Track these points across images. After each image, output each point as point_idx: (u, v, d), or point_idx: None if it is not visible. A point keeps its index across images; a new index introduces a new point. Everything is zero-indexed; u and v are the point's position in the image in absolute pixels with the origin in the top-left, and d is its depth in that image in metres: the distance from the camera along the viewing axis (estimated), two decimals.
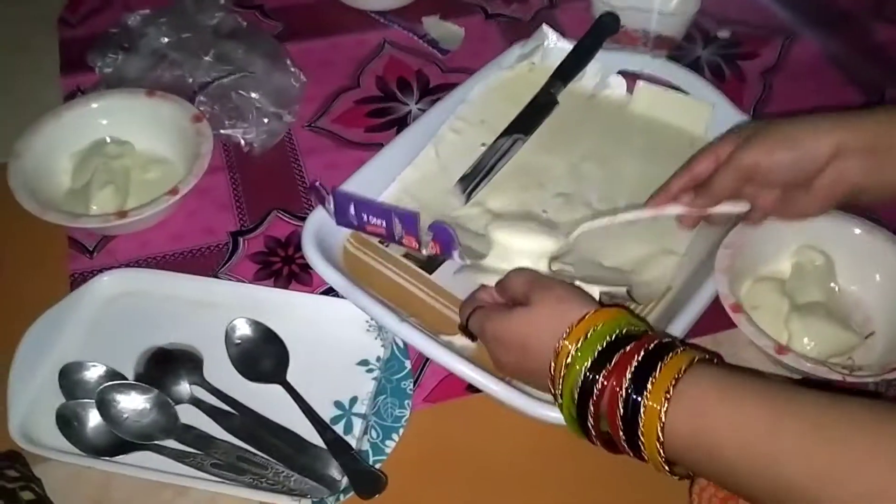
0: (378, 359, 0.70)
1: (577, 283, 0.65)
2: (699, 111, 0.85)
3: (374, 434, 0.66)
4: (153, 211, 0.76)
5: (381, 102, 0.95)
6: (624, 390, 0.51)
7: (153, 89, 0.86)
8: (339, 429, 0.66)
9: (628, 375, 0.51)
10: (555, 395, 0.56)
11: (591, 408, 0.52)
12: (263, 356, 0.69)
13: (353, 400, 0.68)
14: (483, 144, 0.83)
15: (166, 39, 0.93)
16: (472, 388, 0.68)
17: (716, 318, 0.69)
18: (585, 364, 0.53)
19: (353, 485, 0.62)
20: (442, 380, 0.71)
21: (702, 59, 1.00)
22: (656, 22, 0.94)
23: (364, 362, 0.70)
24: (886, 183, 0.64)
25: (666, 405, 0.49)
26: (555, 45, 0.90)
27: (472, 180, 0.79)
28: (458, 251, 0.70)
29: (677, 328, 0.67)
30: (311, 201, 0.84)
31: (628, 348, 0.52)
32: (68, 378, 0.67)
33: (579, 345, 0.54)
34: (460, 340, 0.70)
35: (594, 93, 0.89)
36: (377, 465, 0.64)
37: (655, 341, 0.52)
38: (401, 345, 0.70)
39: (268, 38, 0.97)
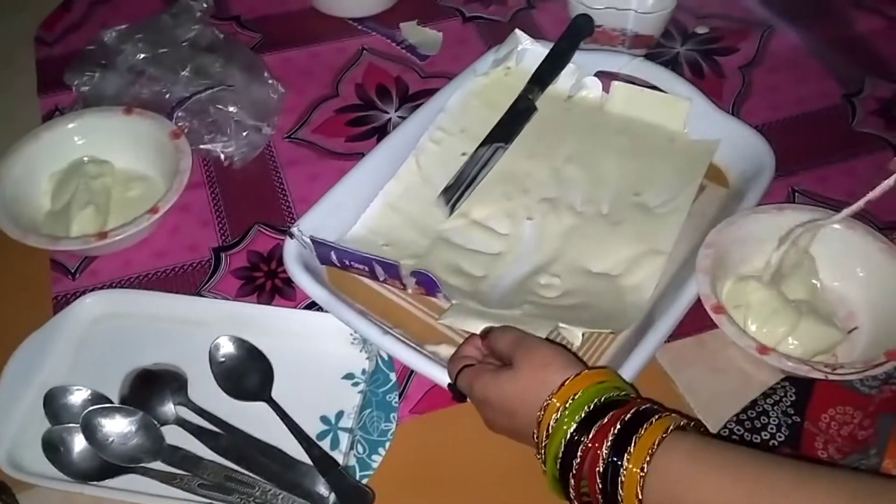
0: (363, 372, 0.70)
1: (561, 325, 0.68)
2: (676, 107, 0.85)
3: (360, 449, 0.66)
4: (133, 231, 0.76)
5: (360, 111, 0.95)
6: (605, 452, 0.51)
7: (131, 106, 0.86)
8: (325, 444, 0.66)
9: (610, 439, 0.52)
10: (539, 457, 0.56)
11: (574, 470, 0.53)
12: (248, 373, 0.69)
13: (340, 414, 0.68)
14: (464, 154, 0.83)
15: (143, 55, 0.93)
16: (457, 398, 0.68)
17: (700, 317, 0.69)
18: (570, 428, 0.53)
19: (341, 502, 0.62)
20: (428, 390, 0.71)
21: (680, 56, 1.00)
22: (634, 20, 0.93)
23: (349, 376, 0.70)
24: None
25: (645, 469, 0.50)
26: (529, 48, 0.90)
27: (455, 191, 0.79)
28: (441, 293, 0.71)
29: (661, 329, 0.67)
30: (293, 215, 0.84)
31: (608, 417, 0.53)
32: (53, 403, 0.67)
33: (558, 415, 0.54)
34: (446, 350, 0.71)
35: (570, 95, 0.89)
36: (364, 481, 0.64)
37: (635, 409, 0.53)
38: (385, 357, 0.71)
39: (245, 50, 0.96)
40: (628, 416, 0.52)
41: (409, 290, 0.74)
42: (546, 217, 0.79)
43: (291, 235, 0.72)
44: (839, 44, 1.02)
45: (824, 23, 1.05)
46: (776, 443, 0.65)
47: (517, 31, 0.91)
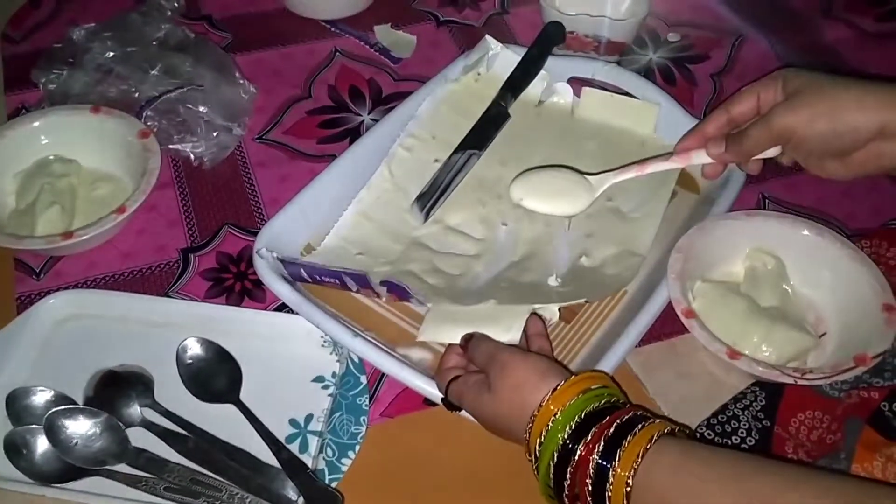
0: (334, 375, 0.69)
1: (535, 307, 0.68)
2: (646, 112, 0.86)
3: (329, 452, 0.65)
4: (99, 231, 0.75)
5: (333, 113, 0.94)
6: (595, 457, 0.52)
7: (98, 105, 0.85)
8: (294, 447, 0.65)
9: (601, 443, 0.52)
10: (531, 461, 0.57)
11: (569, 478, 0.53)
12: (216, 376, 0.68)
13: (309, 417, 0.67)
14: (436, 160, 0.82)
15: (112, 54, 0.92)
16: (429, 401, 0.68)
17: (672, 322, 0.69)
18: (564, 435, 0.54)
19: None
20: (399, 393, 0.70)
21: (652, 63, 1.00)
22: (607, 26, 0.94)
23: (319, 379, 0.70)
24: None
25: (633, 473, 0.50)
26: (499, 54, 0.90)
27: (429, 199, 0.79)
28: (414, 299, 0.71)
29: (632, 333, 0.67)
30: (263, 216, 0.83)
31: (605, 420, 0.53)
32: (15, 404, 0.66)
33: (551, 423, 0.54)
34: (417, 353, 0.70)
35: (541, 101, 0.89)
36: (333, 484, 0.63)
37: (630, 414, 0.54)
38: (356, 360, 0.70)
39: (216, 49, 0.95)
40: (623, 420, 0.53)
41: (383, 299, 0.73)
42: (520, 222, 0.79)
43: (260, 256, 0.71)
44: (808, 52, 1.03)
45: (794, 32, 1.06)
46: (746, 447, 0.65)
47: (487, 37, 0.91)
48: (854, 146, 0.63)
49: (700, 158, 0.71)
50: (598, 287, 0.73)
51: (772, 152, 0.68)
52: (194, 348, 0.69)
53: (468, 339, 0.65)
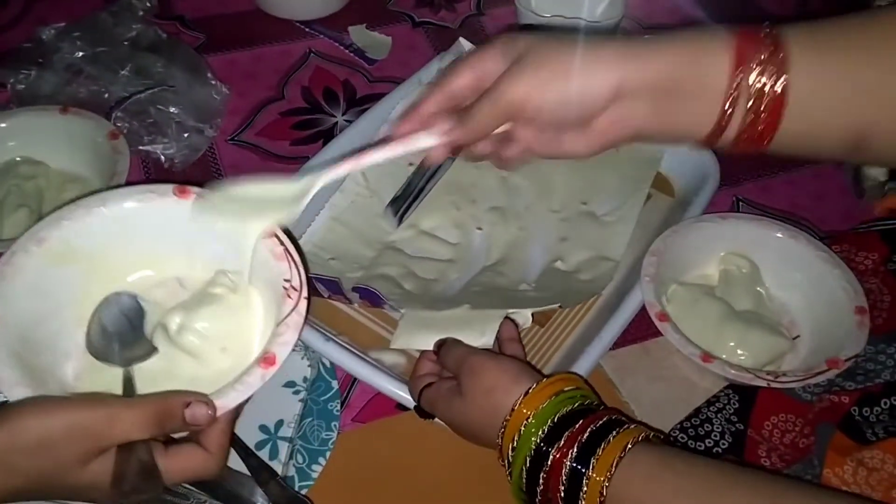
0: (305, 380, 0.69)
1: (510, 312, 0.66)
2: None
3: (300, 458, 0.64)
4: None
5: (306, 114, 0.93)
6: (569, 461, 0.51)
7: (67, 106, 0.83)
8: (264, 454, 0.64)
9: (576, 448, 0.51)
10: (504, 465, 0.57)
11: (542, 481, 0.53)
12: None
13: (279, 423, 0.66)
14: (410, 164, 0.81)
15: (81, 53, 0.90)
16: (402, 406, 0.67)
17: (646, 325, 0.69)
18: (537, 439, 0.53)
19: None
20: (371, 399, 0.70)
21: None
22: (582, 29, 0.93)
23: (290, 384, 0.69)
24: (674, 128, 0.54)
25: (608, 480, 0.50)
26: None
27: (402, 203, 0.78)
28: (387, 305, 0.70)
29: (606, 336, 0.67)
30: None
31: (577, 425, 0.53)
32: None
33: (524, 427, 0.54)
34: (390, 358, 0.70)
35: None
36: (304, 491, 0.62)
37: (605, 419, 0.53)
38: (328, 364, 0.69)
39: (188, 50, 0.94)
40: (597, 425, 0.52)
41: (356, 305, 0.72)
42: (495, 227, 0.79)
43: None
44: None
45: None
46: (720, 450, 0.65)
47: (461, 39, 0.90)
48: (593, 110, 0.54)
49: (425, 141, 0.59)
50: (571, 293, 0.73)
51: (500, 129, 0.58)
52: None
53: (441, 344, 0.64)
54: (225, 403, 0.50)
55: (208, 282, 0.60)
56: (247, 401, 0.51)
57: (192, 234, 0.60)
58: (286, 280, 0.56)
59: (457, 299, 0.72)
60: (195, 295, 0.60)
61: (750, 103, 0.50)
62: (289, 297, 0.55)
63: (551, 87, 0.53)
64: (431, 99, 0.59)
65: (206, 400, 0.50)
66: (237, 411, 0.53)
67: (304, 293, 0.55)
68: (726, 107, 0.51)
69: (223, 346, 0.57)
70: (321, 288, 0.70)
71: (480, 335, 0.67)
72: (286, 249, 0.57)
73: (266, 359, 0.52)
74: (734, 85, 0.50)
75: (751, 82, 0.50)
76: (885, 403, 0.64)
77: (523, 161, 0.60)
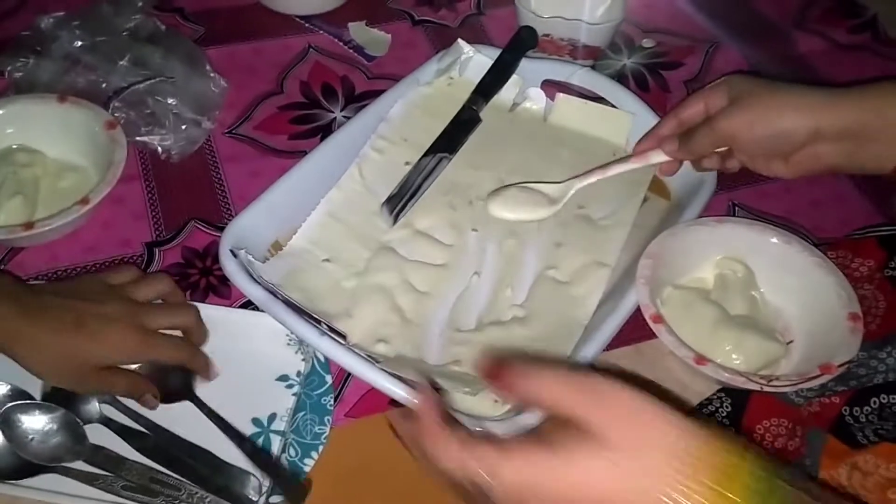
0: (298, 374, 0.69)
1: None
2: (619, 121, 0.86)
3: (292, 452, 0.64)
4: (62, 222, 0.73)
5: (305, 109, 0.93)
6: None
7: (65, 95, 0.83)
8: None
9: None
10: None
11: None
12: (170, 372, 0.66)
13: (272, 417, 0.66)
14: (407, 163, 0.81)
15: (80, 43, 0.90)
16: (395, 403, 0.67)
17: (639, 327, 0.69)
18: None
19: (278, 486, 0.61)
20: (364, 394, 0.70)
21: (626, 69, 1.00)
22: (582, 31, 0.94)
23: (284, 378, 0.69)
24: (863, 166, 0.68)
25: None
26: (472, 58, 0.90)
27: (398, 201, 0.78)
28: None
29: (600, 338, 0.67)
30: (231, 211, 0.82)
31: None
32: None
33: None
34: (384, 347, 0.69)
35: (514, 105, 0.89)
36: None
37: None
38: (322, 359, 0.69)
39: (187, 42, 0.94)
40: None
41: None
42: (490, 229, 0.79)
43: (233, 254, 0.70)
44: (781, 62, 1.04)
45: (767, 42, 1.06)
46: None
47: (460, 40, 0.90)
48: (791, 148, 0.68)
49: (657, 158, 0.77)
50: (553, 324, 0.72)
51: (719, 150, 0.74)
52: None
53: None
54: None
55: None
56: None
57: None
58: None
59: (442, 353, 0.70)
60: None
61: None
62: None
63: (758, 126, 0.68)
64: (666, 124, 0.76)
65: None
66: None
67: None
68: None
69: None
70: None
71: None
72: None
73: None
74: None
75: None
76: (875, 403, 0.64)
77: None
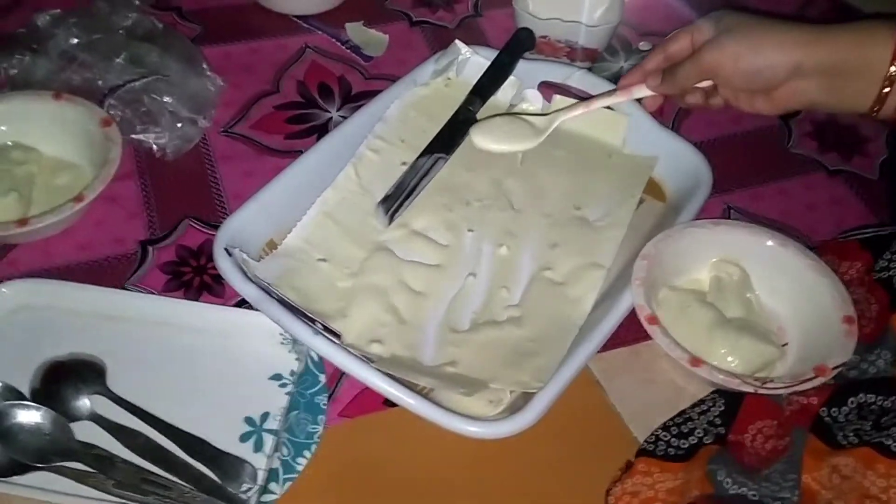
0: (292, 373, 0.68)
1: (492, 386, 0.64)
2: (615, 122, 0.86)
3: (285, 451, 0.64)
4: (56, 219, 0.73)
5: (301, 109, 0.93)
6: None
7: (61, 92, 0.83)
8: (249, 446, 0.64)
9: None
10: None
11: None
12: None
13: (265, 416, 0.66)
14: (403, 164, 0.81)
15: (76, 40, 0.90)
16: (389, 402, 0.67)
17: (634, 329, 0.69)
18: None
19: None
20: (358, 394, 0.69)
21: (623, 71, 1.00)
22: (580, 33, 0.94)
23: (277, 377, 0.68)
24: (842, 102, 0.68)
25: None
26: (469, 59, 0.90)
27: (394, 201, 0.77)
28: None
29: (595, 339, 0.67)
30: (225, 210, 0.81)
31: None
32: None
33: None
34: (378, 347, 0.69)
35: (511, 107, 0.89)
36: (287, 485, 0.62)
37: None
38: (315, 358, 0.69)
39: (184, 41, 0.94)
40: None
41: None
42: (486, 229, 0.79)
43: (228, 252, 0.70)
44: None
45: None
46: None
47: (457, 41, 0.90)
48: (774, 83, 0.69)
49: (640, 92, 0.78)
50: (548, 324, 0.72)
51: (703, 85, 0.74)
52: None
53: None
54: None
55: None
56: None
57: None
58: None
59: (438, 356, 0.70)
60: None
61: None
62: None
63: (743, 59, 0.68)
64: (653, 58, 0.76)
65: None
66: None
67: None
68: (884, 88, 0.64)
69: None
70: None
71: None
72: None
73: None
74: (891, 70, 0.63)
75: None
76: (853, 402, 0.64)
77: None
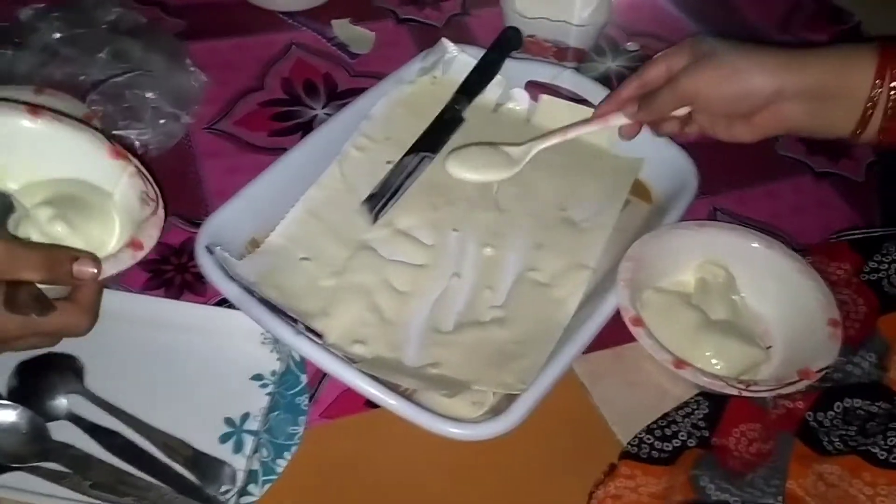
0: (273, 373, 0.68)
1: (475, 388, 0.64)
2: None
3: (265, 452, 0.63)
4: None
5: (286, 106, 0.92)
6: None
7: (42, 86, 0.82)
8: (228, 447, 0.63)
9: None
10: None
11: None
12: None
13: (245, 416, 0.65)
14: (389, 162, 0.81)
15: (59, 35, 0.89)
16: (371, 404, 0.66)
17: (619, 330, 0.69)
18: None
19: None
20: (340, 395, 0.69)
21: (610, 71, 1.00)
22: (567, 32, 0.93)
23: (258, 377, 0.68)
24: (823, 126, 0.68)
25: None
26: (456, 58, 0.89)
27: (379, 200, 0.77)
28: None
29: (580, 340, 0.67)
30: (208, 207, 0.81)
31: None
32: None
33: None
34: (360, 349, 0.68)
35: (497, 106, 0.88)
36: (267, 486, 0.61)
37: None
38: (297, 358, 0.68)
39: (168, 36, 0.93)
40: None
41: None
42: (471, 229, 0.78)
43: (209, 251, 0.69)
44: None
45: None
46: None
47: (444, 39, 0.90)
48: (755, 108, 0.68)
49: (617, 120, 0.77)
50: (533, 325, 0.71)
51: (680, 112, 0.73)
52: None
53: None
54: (104, 269, 0.57)
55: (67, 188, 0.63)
56: (116, 277, 0.59)
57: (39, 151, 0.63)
58: (143, 191, 0.64)
59: (421, 355, 0.69)
60: (57, 196, 0.62)
61: (888, 107, 0.64)
62: (147, 204, 0.63)
63: (723, 85, 0.68)
64: (628, 86, 0.75)
65: (93, 258, 0.56)
66: (104, 284, 0.60)
67: (161, 202, 0.64)
68: (867, 111, 0.64)
69: (87, 238, 0.60)
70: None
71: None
72: (138, 169, 0.65)
73: (134, 244, 0.60)
74: (874, 93, 0.63)
75: (890, 91, 0.63)
76: (838, 407, 0.64)
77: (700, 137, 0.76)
